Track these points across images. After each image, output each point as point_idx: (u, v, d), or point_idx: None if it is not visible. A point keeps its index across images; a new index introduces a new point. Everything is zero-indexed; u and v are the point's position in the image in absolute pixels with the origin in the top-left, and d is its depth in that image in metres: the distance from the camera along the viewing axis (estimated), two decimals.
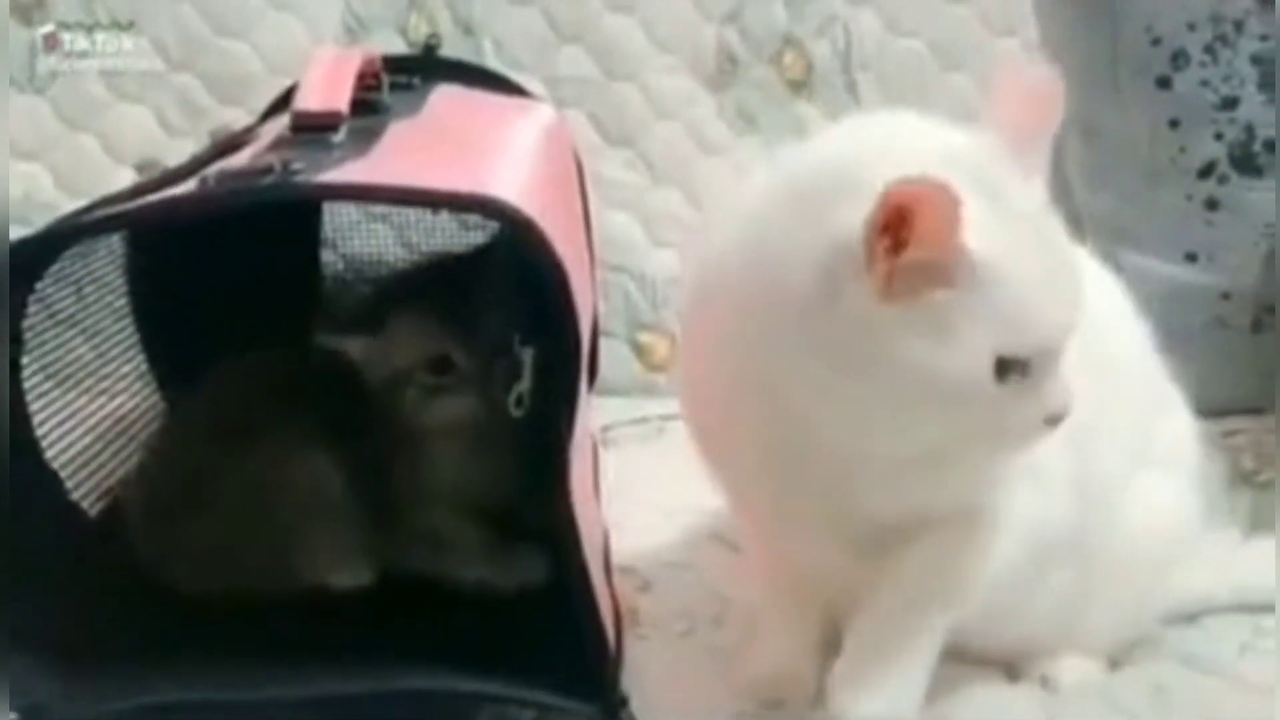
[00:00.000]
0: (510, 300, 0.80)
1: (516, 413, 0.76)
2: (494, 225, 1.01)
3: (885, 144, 0.65)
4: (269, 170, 0.67)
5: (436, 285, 0.84)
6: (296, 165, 0.68)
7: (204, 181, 0.69)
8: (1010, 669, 0.76)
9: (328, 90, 0.77)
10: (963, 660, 0.73)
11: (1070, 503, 0.71)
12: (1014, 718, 0.73)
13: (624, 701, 0.69)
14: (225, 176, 0.69)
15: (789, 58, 1.33)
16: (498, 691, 0.68)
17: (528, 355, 0.76)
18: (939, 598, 0.69)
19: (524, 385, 0.76)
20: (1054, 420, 0.64)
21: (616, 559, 0.79)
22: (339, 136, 0.74)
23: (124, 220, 0.74)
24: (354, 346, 0.81)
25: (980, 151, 0.63)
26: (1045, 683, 0.75)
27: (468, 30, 1.34)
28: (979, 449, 0.65)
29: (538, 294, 0.67)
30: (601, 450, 0.94)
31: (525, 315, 0.78)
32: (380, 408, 0.81)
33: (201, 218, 0.70)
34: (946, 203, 0.58)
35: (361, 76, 0.81)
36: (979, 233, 0.60)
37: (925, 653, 0.69)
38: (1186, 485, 0.78)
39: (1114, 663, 0.77)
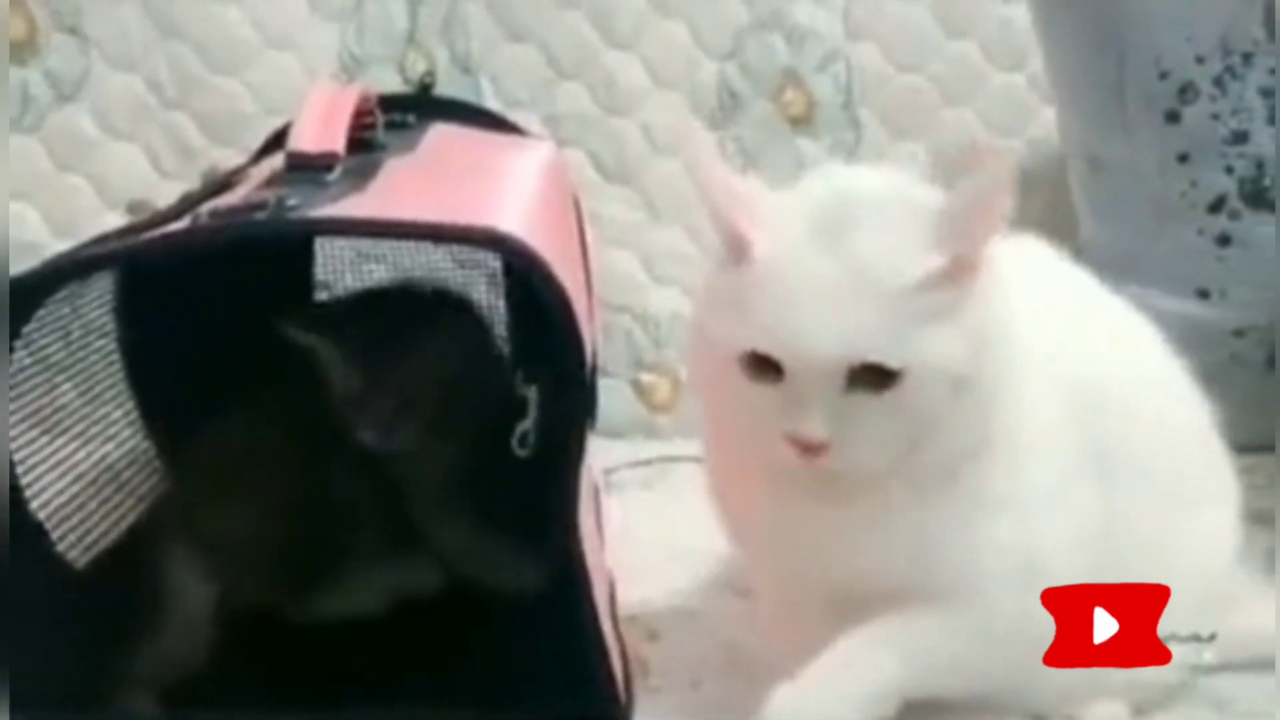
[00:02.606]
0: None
1: (521, 452, 0.74)
2: (492, 267, 1.02)
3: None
4: (263, 206, 0.66)
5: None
6: (291, 201, 0.66)
7: (197, 219, 0.67)
8: (1036, 710, 0.74)
9: (323, 130, 0.76)
10: (988, 710, 0.72)
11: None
12: None
13: None
14: (219, 214, 0.68)
15: (790, 94, 1.33)
16: None
17: (532, 393, 0.74)
18: (891, 650, 0.69)
19: (528, 424, 0.74)
20: (792, 440, 0.64)
21: (621, 607, 0.77)
22: (334, 175, 0.72)
23: (118, 256, 0.73)
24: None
25: (868, 195, 0.68)
26: None
27: (466, 68, 1.32)
28: (749, 442, 0.68)
29: (540, 328, 0.66)
30: (603, 494, 0.92)
31: (528, 352, 0.76)
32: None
33: (195, 253, 0.69)
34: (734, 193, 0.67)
35: (357, 114, 0.80)
36: (774, 233, 0.66)
37: (868, 696, 0.69)
38: (1229, 523, 0.78)
39: (1142, 707, 0.75)
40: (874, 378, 0.64)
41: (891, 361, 0.64)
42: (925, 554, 0.69)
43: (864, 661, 0.69)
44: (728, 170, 0.69)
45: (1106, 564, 0.72)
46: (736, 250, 0.67)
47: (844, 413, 0.64)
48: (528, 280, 0.65)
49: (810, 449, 0.65)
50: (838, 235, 0.65)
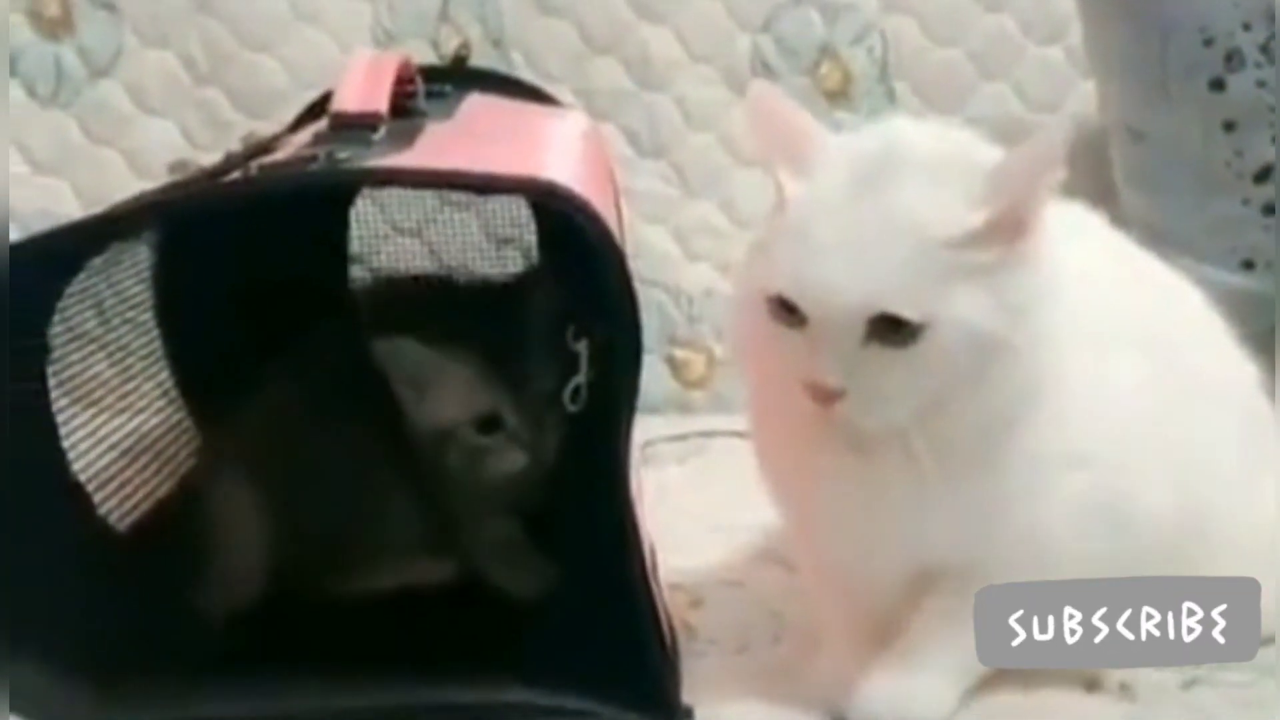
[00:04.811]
0: (558, 337, 0.77)
1: (572, 408, 0.73)
2: (527, 243, 1.01)
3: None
4: (314, 159, 0.65)
5: (481, 327, 0.80)
6: (342, 155, 0.66)
7: (247, 173, 0.67)
8: (1088, 676, 0.73)
9: (366, 92, 0.76)
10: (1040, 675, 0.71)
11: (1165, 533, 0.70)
12: None
13: (688, 713, 0.67)
14: (268, 167, 0.67)
15: (825, 67, 1.32)
16: (560, 704, 0.67)
17: (583, 348, 0.74)
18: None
19: (580, 379, 0.73)
20: (809, 389, 0.63)
21: (664, 574, 0.76)
22: (379, 135, 0.72)
23: (169, 209, 0.72)
24: (403, 396, 0.79)
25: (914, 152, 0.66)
26: (1124, 690, 0.73)
27: (498, 42, 1.32)
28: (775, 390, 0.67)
29: (592, 284, 0.65)
30: (639, 467, 0.91)
31: (580, 306, 0.76)
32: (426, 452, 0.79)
33: (251, 203, 0.68)
34: (775, 116, 0.67)
35: (398, 82, 0.80)
36: (816, 178, 0.65)
37: (957, 667, 0.70)
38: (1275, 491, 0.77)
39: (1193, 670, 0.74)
40: (896, 331, 0.63)
41: (911, 314, 0.63)
42: (991, 523, 0.68)
43: (950, 634, 0.69)
44: (794, 110, 0.68)
45: (1189, 500, 0.71)
46: (778, 194, 0.67)
47: (863, 363, 0.63)
48: (575, 228, 0.64)
49: (825, 397, 0.64)
50: (877, 184, 0.65)
